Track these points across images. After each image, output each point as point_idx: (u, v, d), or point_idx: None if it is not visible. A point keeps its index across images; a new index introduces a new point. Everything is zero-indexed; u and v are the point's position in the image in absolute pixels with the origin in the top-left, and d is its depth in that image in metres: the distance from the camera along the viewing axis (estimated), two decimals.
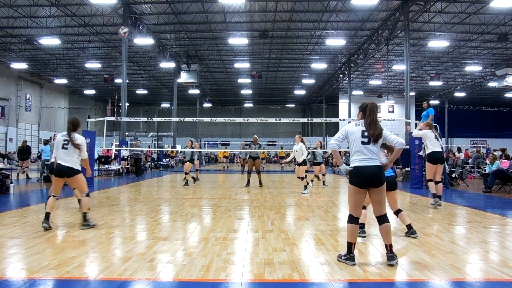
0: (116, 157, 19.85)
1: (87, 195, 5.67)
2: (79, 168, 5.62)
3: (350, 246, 3.81)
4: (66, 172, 5.50)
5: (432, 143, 7.79)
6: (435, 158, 7.75)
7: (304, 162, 10.71)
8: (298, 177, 10.97)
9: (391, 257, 3.78)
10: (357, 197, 3.81)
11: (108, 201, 8.68)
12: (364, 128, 3.84)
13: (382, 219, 3.85)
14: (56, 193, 5.59)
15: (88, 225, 5.56)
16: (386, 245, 3.82)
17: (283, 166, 25.78)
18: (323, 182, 13.22)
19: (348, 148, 4.22)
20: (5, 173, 10.37)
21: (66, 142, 5.54)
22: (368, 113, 3.86)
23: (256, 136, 12.63)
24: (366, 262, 3.94)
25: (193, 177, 13.20)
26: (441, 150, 7.88)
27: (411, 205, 8.11)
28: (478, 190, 11.65)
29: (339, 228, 5.64)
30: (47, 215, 5.40)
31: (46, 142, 16.32)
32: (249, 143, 13.79)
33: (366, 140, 3.80)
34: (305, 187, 10.52)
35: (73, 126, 5.63)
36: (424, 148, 8.63)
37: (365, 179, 3.75)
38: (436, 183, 7.75)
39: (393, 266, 3.74)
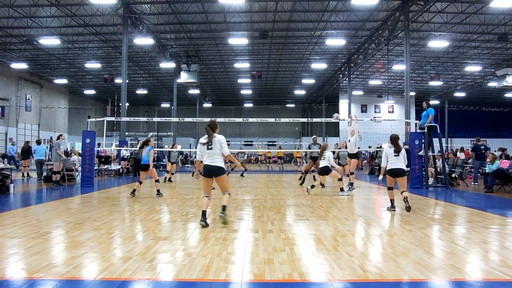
0: (116, 157, 19.86)
1: None
2: None
3: (391, 201, 7.44)
4: None
5: None
6: None
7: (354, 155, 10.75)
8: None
9: (407, 207, 7.14)
10: (390, 181, 7.48)
11: (108, 201, 8.68)
12: (394, 149, 7.37)
13: (403, 193, 7.31)
14: None
15: None
16: (403, 197, 7.19)
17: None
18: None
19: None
20: (5, 173, 10.36)
21: None
22: (393, 140, 7.42)
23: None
24: (366, 262, 3.94)
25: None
26: None
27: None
28: (478, 190, 11.65)
29: (339, 228, 5.64)
30: None
31: (39, 142, 16.58)
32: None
33: (396, 154, 7.32)
34: (341, 189, 10.24)
35: None
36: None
37: (393, 173, 7.32)
38: None
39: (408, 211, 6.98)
